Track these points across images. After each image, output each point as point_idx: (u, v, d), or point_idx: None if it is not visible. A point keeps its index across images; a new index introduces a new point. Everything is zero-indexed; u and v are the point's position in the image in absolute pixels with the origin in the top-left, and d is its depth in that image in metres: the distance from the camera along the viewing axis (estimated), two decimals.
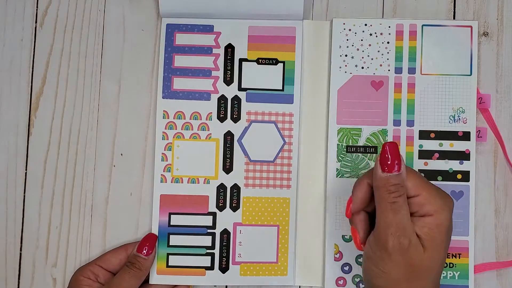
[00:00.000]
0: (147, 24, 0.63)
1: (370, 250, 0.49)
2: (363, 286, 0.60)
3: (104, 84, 0.63)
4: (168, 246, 0.60)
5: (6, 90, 0.63)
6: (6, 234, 0.61)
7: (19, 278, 0.61)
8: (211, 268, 0.60)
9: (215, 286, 0.61)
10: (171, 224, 0.60)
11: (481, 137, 0.61)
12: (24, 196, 0.62)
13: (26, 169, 0.62)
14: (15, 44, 0.63)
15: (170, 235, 0.60)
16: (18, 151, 0.62)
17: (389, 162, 0.48)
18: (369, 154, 0.60)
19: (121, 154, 0.62)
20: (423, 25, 0.61)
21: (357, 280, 0.60)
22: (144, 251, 0.57)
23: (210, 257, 0.60)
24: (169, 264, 0.60)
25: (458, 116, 0.60)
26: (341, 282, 0.60)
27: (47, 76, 0.62)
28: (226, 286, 0.61)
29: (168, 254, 0.60)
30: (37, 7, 0.63)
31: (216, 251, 0.60)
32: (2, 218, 0.62)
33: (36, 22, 0.63)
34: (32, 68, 0.63)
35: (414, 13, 0.62)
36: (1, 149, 0.62)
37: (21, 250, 0.62)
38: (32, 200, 0.62)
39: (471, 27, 0.61)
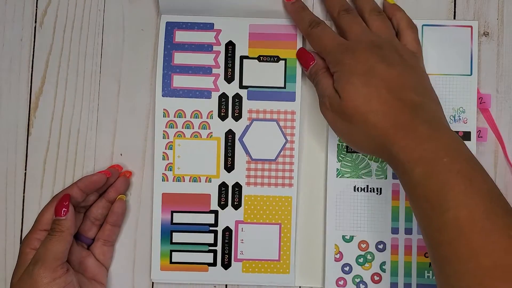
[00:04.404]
0: (146, 24, 0.63)
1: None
2: (363, 286, 0.60)
3: (104, 84, 0.62)
4: (171, 243, 0.60)
5: (6, 90, 0.62)
6: (6, 234, 0.61)
7: None
8: (214, 264, 0.60)
9: (215, 286, 0.61)
10: (173, 222, 0.60)
11: (481, 137, 0.61)
12: (24, 196, 0.62)
13: (25, 169, 0.62)
14: (15, 43, 0.63)
15: (173, 233, 0.60)
16: (17, 151, 0.62)
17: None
18: (369, 155, 0.60)
19: (121, 154, 0.62)
20: (423, 25, 0.61)
21: (358, 280, 0.60)
22: (63, 213, 0.55)
23: (212, 254, 0.60)
24: (173, 261, 0.60)
25: (459, 116, 0.60)
26: (341, 282, 0.60)
27: (46, 75, 0.62)
28: (226, 286, 0.61)
29: (171, 251, 0.60)
30: (36, 6, 0.63)
31: (219, 248, 0.60)
32: (2, 218, 0.61)
33: (35, 21, 0.63)
34: (32, 68, 0.62)
35: (414, 13, 0.62)
36: (1, 149, 0.62)
37: None
38: (32, 200, 0.61)
39: (471, 27, 0.61)
